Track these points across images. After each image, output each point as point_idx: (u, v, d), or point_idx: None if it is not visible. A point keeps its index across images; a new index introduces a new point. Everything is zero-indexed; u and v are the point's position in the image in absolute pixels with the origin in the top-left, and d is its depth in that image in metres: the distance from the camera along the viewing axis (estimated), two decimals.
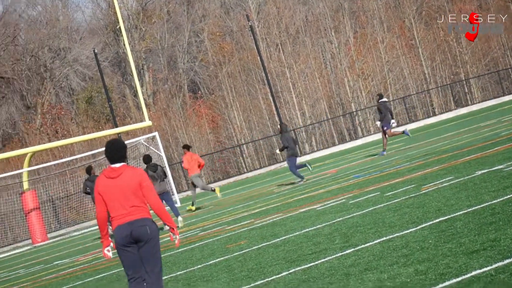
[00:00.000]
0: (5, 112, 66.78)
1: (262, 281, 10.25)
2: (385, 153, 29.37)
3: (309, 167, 26.89)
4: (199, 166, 26.53)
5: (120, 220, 8.66)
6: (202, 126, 63.26)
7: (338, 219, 14.15)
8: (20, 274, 21.80)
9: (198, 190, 31.82)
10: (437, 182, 15.52)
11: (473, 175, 15.09)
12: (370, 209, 14.33)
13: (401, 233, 10.96)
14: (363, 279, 8.72)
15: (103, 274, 15.41)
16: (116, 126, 47.31)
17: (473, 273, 7.67)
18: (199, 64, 71.27)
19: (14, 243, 41.67)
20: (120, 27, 38.98)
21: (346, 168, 28.44)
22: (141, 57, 70.68)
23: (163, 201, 21.79)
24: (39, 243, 36.77)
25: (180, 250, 16.26)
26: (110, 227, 12.09)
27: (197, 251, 15.39)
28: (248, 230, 16.51)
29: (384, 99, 29.86)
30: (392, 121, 29.23)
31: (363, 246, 10.79)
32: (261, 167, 52.57)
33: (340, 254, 10.65)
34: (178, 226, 21.71)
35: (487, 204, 11.46)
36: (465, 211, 11.37)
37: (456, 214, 11.30)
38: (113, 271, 15.29)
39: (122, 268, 8.97)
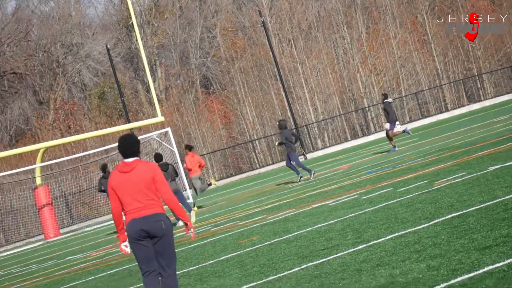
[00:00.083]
0: (18, 108, 66.94)
1: (274, 277, 10.25)
2: (396, 148, 29.39)
3: (298, 176, 26.83)
4: (199, 166, 26.63)
5: (134, 214, 8.64)
6: (214, 121, 63.26)
7: (351, 215, 14.14)
8: (33, 269, 21.88)
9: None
10: (450, 177, 15.49)
11: (486, 171, 15.05)
12: (383, 204, 14.31)
13: (414, 228, 10.94)
14: (375, 275, 8.72)
15: (116, 270, 15.43)
16: (129, 122, 47.42)
17: (486, 268, 7.66)
18: (211, 59, 71.27)
19: (27, 239, 41.84)
20: (132, 23, 39.01)
21: (359, 163, 28.42)
22: (154, 52, 70.72)
23: None
24: (51, 238, 36.88)
25: (192, 245, 16.29)
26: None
27: (209, 246, 15.41)
28: (260, 225, 16.52)
29: (389, 99, 29.93)
30: (397, 122, 29.41)
31: (375, 241, 10.78)
32: (273, 163, 52.60)
33: (352, 249, 10.64)
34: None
35: (499, 200, 11.43)
36: (478, 206, 11.34)
37: (469, 210, 11.28)
38: (125, 266, 15.30)
39: (135, 264, 8.98)
